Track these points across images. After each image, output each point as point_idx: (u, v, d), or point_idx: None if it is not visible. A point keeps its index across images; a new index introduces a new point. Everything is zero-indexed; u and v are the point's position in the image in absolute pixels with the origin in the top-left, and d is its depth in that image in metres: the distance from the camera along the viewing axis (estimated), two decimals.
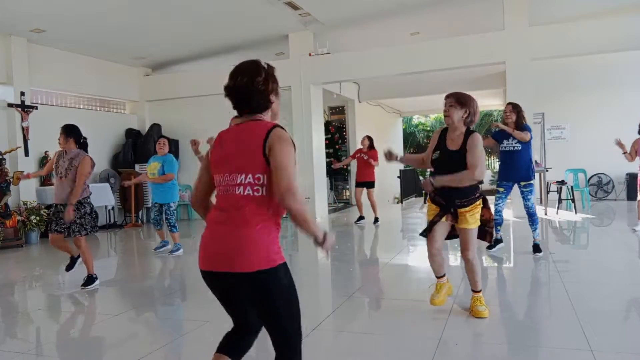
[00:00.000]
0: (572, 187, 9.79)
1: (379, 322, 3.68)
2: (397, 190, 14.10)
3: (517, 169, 5.58)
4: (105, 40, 9.80)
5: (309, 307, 4.27)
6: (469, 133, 3.43)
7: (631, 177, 10.36)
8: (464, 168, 3.36)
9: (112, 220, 10.53)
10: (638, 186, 7.18)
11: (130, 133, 11.50)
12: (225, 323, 3.83)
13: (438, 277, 3.84)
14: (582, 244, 6.98)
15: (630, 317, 3.62)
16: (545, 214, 9.26)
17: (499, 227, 5.90)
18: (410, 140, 23.75)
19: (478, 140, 3.37)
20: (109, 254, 7.92)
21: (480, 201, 3.52)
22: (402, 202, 12.15)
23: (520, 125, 5.60)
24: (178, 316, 4.22)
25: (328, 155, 11.90)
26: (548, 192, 9.78)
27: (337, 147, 13.19)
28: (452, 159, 3.42)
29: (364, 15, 9.43)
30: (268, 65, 1.99)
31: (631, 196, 9.52)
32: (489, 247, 5.87)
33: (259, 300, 1.89)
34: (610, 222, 8.65)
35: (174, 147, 11.47)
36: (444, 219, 3.55)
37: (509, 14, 8.99)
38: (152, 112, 12.04)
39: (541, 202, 10.03)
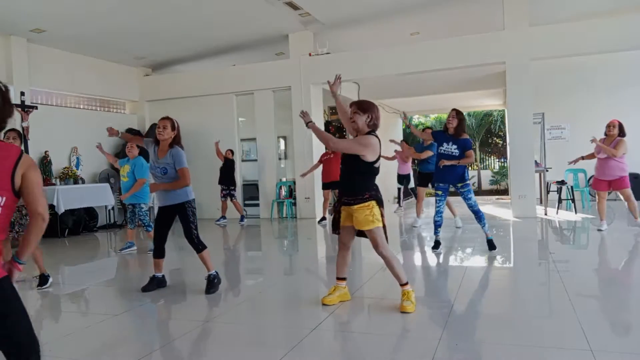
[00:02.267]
0: (572, 187, 9.79)
1: (379, 322, 3.68)
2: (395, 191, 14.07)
3: (452, 172, 5.72)
4: (105, 40, 9.80)
5: (309, 307, 4.27)
6: (367, 135, 3.76)
7: (632, 178, 10.33)
8: (355, 166, 3.73)
9: (112, 220, 10.53)
10: (592, 187, 7.28)
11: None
12: (225, 323, 3.84)
13: (338, 279, 4.08)
14: (582, 244, 6.98)
15: (630, 317, 3.61)
16: (545, 214, 9.27)
17: (439, 229, 6.05)
18: (410, 140, 23.72)
19: (368, 137, 3.72)
20: (109, 254, 7.93)
21: (371, 203, 3.74)
22: (400, 202, 12.14)
23: (460, 133, 5.69)
24: (178, 316, 4.22)
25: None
26: (548, 192, 9.78)
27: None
28: (348, 158, 3.78)
29: (364, 15, 9.43)
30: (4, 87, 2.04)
31: None
32: (434, 248, 6.08)
33: None
34: (610, 222, 8.63)
35: None
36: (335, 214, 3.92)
37: (509, 14, 8.99)
38: (152, 112, 12.03)
39: (541, 202, 10.04)
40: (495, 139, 23.05)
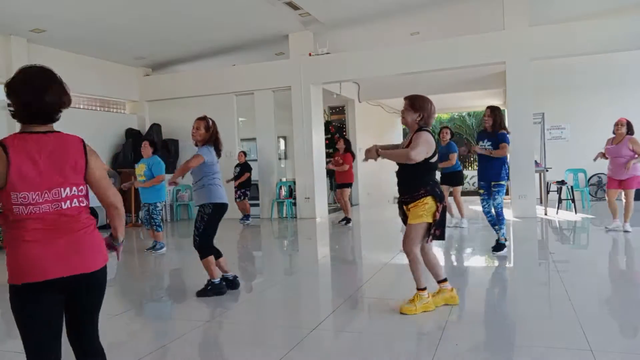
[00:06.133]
0: (572, 187, 9.79)
1: (379, 322, 3.68)
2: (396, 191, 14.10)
3: (489, 169, 5.77)
4: (105, 40, 9.80)
5: (309, 307, 4.27)
6: (417, 132, 3.72)
7: None
8: (412, 164, 3.63)
9: None
10: (606, 187, 7.21)
11: (130, 133, 11.50)
12: (225, 323, 3.84)
13: (439, 282, 3.92)
14: (582, 244, 6.98)
15: (630, 317, 3.61)
16: (545, 214, 9.27)
17: (496, 227, 5.88)
18: None
19: (421, 133, 3.68)
20: (109, 253, 7.92)
21: (427, 199, 3.67)
22: None
23: (498, 129, 5.71)
24: (178, 316, 4.22)
25: (328, 155, 11.87)
26: (548, 192, 9.78)
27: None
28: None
29: (364, 15, 9.43)
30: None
31: None
32: (494, 250, 5.82)
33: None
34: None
35: (174, 147, 11.48)
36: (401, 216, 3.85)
37: (509, 14, 8.99)
38: (152, 112, 12.04)
39: (541, 202, 10.03)
40: None
